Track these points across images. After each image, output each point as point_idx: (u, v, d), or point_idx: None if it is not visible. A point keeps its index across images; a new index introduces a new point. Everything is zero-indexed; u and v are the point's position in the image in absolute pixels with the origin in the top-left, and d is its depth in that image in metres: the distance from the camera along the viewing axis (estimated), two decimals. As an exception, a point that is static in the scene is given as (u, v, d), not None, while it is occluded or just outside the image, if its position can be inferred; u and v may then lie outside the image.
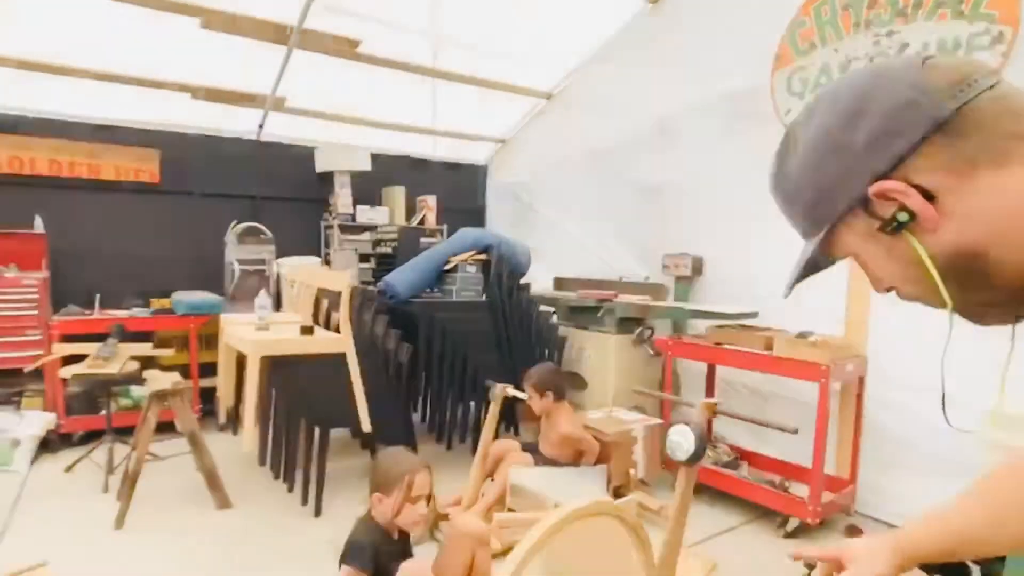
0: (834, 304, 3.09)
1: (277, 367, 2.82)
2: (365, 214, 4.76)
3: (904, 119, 0.60)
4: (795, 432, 1.59)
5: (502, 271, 3.39)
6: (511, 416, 3.78)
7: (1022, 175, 0.58)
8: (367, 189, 4.92)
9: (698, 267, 3.77)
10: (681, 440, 1.65)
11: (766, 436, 3.41)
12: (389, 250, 4.04)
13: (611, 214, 4.48)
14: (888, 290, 0.72)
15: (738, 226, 3.61)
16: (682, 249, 3.85)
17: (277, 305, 4.07)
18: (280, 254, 4.39)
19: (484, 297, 3.46)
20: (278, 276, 4.25)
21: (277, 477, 3.19)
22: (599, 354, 3.62)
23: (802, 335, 2.85)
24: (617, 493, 2.91)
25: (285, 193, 4.81)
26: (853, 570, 0.78)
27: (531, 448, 2.94)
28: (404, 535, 1.87)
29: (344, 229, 4.68)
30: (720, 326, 3.16)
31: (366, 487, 1.82)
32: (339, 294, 2.86)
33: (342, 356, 2.85)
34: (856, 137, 0.61)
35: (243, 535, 2.66)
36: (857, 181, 0.62)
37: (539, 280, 4.37)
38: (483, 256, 3.45)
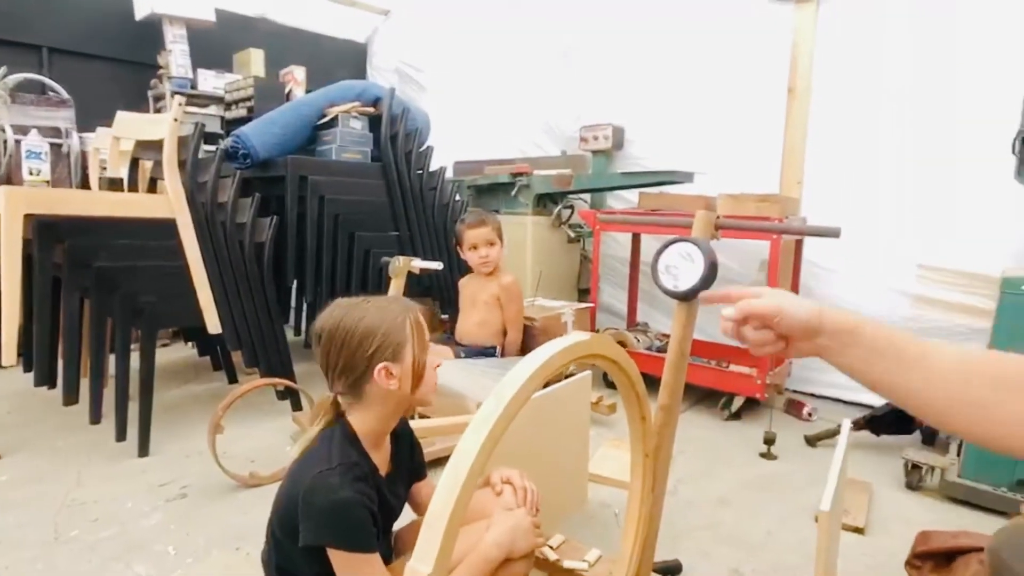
0: (767, 167, 2.82)
1: (63, 233, 1.94)
2: (209, 81, 3.73)
3: None
4: (838, 235, 1.19)
5: (398, 129, 2.69)
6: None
7: None
8: (212, 52, 3.87)
9: (619, 139, 3.34)
10: (683, 263, 1.17)
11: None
12: (244, 112, 3.14)
13: (517, 88, 3.89)
14: None
15: (662, 90, 3.20)
16: (599, 120, 3.39)
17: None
18: (85, 129, 3.30)
19: (373, 160, 2.75)
20: (82, 155, 3.19)
21: (70, 403, 2.13)
22: (515, 238, 3.09)
23: (743, 194, 2.52)
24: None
25: (91, 47, 3.64)
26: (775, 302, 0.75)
27: (446, 342, 2.40)
28: (402, 431, 1.17)
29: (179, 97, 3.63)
30: (652, 195, 2.75)
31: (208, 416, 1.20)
32: (160, 144, 2.04)
33: (170, 225, 2.07)
34: None
35: (20, 489, 1.83)
36: None
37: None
38: (372, 109, 2.72)
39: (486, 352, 2.32)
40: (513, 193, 3.09)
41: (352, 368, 1.00)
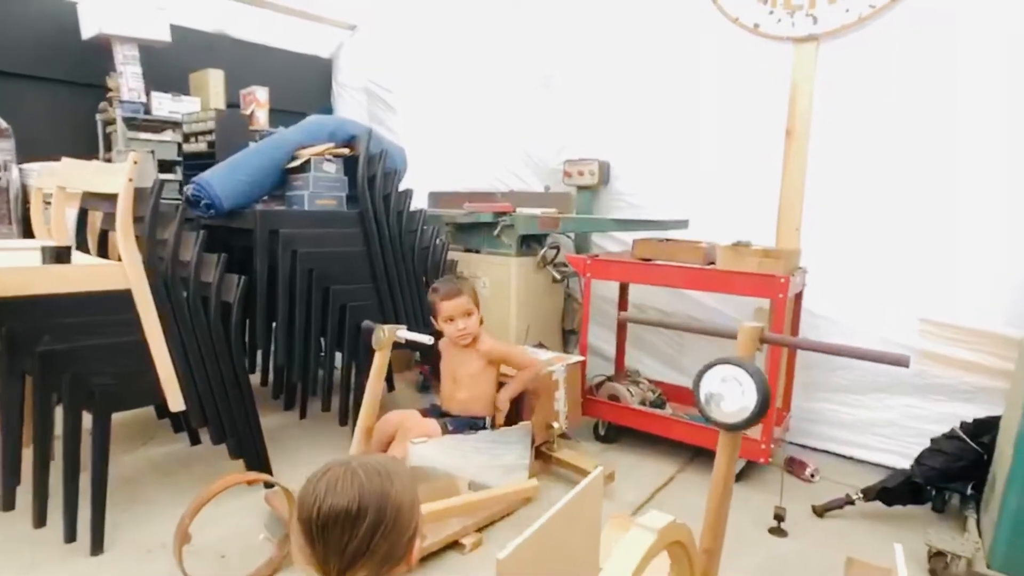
0: (762, 212, 2.73)
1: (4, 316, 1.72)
2: (165, 105, 3.45)
3: None
4: (907, 365, 1.07)
5: (376, 171, 2.49)
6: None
7: None
8: (167, 73, 3.58)
9: (605, 174, 3.21)
10: (732, 390, 1.04)
11: (683, 367, 3.05)
12: (205, 147, 2.88)
13: (495, 115, 3.72)
14: None
15: (652, 127, 3.09)
16: (584, 154, 3.25)
17: (26, 231, 2.77)
18: (28, 158, 3.00)
19: (349, 207, 2.54)
20: (23, 189, 2.89)
21: (9, 508, 1.98)
22: (499, 279, 2.93)
23: (740, 244, 2.42)
24: (539, 452, 2.33)
25: (33, 68, 3.31)
26: None
27: (434, 413, 2.22)
28: None
29: (133, 125, 3.34)
30: (646, 242, 2.62)
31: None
32: (115, 199, 1.81)
33: (126, 296, 1.83)
34: None
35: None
36: None
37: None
38: (346, 150, 2.50)
39: (475, 424, 2.15)
40: (496, 233, 2.92)
41: (396, 552, 0.84)
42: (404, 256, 2.66)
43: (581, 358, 2.58)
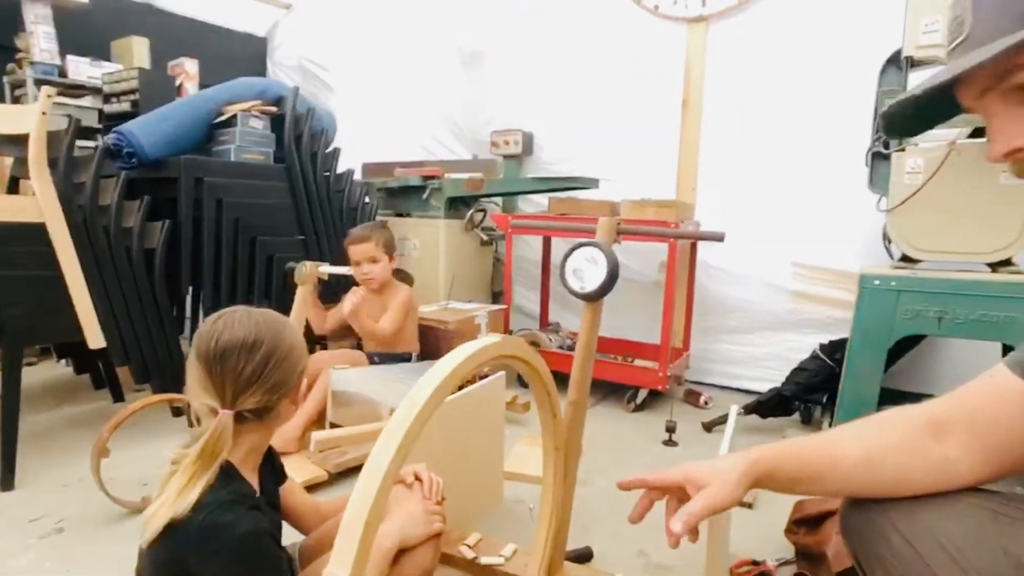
0: (665, 173, 3.01)
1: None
2: (83, 70, 3.41)
3: None
4: (722, 239, 1.30)
5: (302, 130, 2.60)
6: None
7: None
8: (86, 38, 3.55)
9: (528, 144, 3.42)
10: (588, 266, 1.25)
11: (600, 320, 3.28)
12: (128, 107, 2.89)
13: (426, 90, 3.89)
14: (1013, 154, 0.65)
15: (570, 100, 3.33)
16: (510, 126, 3.46)
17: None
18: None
19: (276, 162, 2.63)
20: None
21: None
22: (427, 241, 3.09)
23: (644, 200, 2.68)
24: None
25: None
26: (708, 496, 0.76)
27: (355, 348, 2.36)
28: (272, 458, 1.11)
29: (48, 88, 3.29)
30: (561, 200, 2.85)
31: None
32: (26, 141, 1.86)
33: (39, 230, 1.88)
34: None
35: None
36: None
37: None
38: (273, 108, 2.61)
39: (401, 359, 2.30)
40: (425, 196, 3.08)
41: (286, 382, 0.96)
42: (332, 214, 2.78)
43: (504, 307, 2.77)
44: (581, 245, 1.28)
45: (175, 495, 0.86)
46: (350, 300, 2.09)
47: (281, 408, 0.99)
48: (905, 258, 2.14)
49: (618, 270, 1.25)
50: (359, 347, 2.36)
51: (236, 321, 0.95)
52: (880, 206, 2.13)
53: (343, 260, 2.77)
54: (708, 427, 2.38)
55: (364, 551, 0.70)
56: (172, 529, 0.85)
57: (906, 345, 2.30)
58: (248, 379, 0.92)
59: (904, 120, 0.74)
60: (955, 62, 0.63)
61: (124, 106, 2.90)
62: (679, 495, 0.81)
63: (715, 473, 0.79)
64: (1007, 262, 1.95)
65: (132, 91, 2.87)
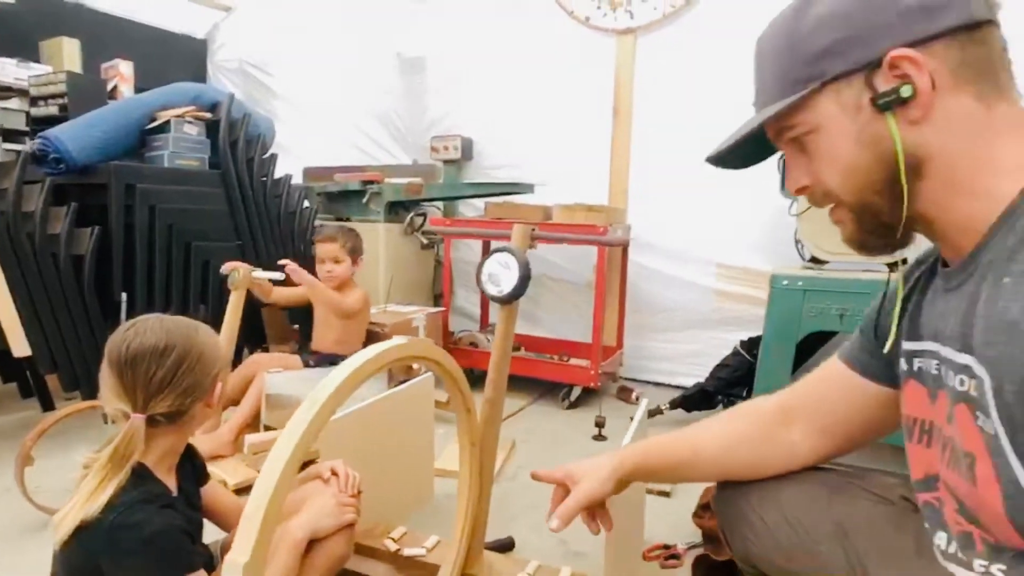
0: (598, 179, 3.13)
1: None
2: (9, 71, 3.30)
3: (952, 1, 0.60)
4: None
5: (238, 135, 2.60)
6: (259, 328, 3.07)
7: (994, 114, 0.61)
8: (12, 38, 3.44)
9: (467, 150, 3.50)
10: (502, 271, 1.33)
11: (537, 319, 3.39)
12: (56, 111, 2.82)
13: (368, 95, 3.92)
14: (803, 191, 0.74)
15: (508, 106, 3.42)
16: (451, 131, 3.53)
17: None
18: None
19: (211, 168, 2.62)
20: None
21: None
22: (367, 246, 3.07)
23: (575, 205, 2.80)
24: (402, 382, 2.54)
25: None
26: (579, 491, 0.89)
27: (304, 353, 2.38)
28: (192, 459, 1.13)
29: (-30, 90, 3.19)
30: (497, 204, 2.94)
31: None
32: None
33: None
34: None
35: None
36: (884, 40, 0.62)
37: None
38: (208, 114, 2.60)
39: (335, 361, 2.33)
40: (364, 200, 3.11)
41: (198, 387, 0.99)
42: (270, 219, 2.79)
43: (442, 309, 2.84)
44: (496, 251, 1.36)
45: (85, 497, 0.89)
46: (306, 276, 2.15)
47: (195, 411, 1.02)
48: (814, 259, 2.31)
49: (530, 273, 1.34)
50: (302, 348, 2.39)
51: (147, 328, 0.98)
52: (791, 210, 2.29)
53: (280, 266, 2.80)
54: (636, 421, 2.50)
55: (264, 538, 0.76)
56: (83, 531, 0.88)
57: (817, 342, 2.48)
58: (159, 384, 0.96)
59: (738, 158, 0.82)
60: (751, 118, 0.75)
61: (52, 110, 2.84)
62: (564, 489, 0.93)
63: (588, 470, 0.91)
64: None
65: (60, 95, 2.81)
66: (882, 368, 0.84)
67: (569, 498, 0.88)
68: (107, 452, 0.92)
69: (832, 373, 0.91)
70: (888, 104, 0.62)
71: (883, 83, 0.62)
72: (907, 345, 0.76)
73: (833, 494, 0.89)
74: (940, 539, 0.72)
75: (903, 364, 0.78)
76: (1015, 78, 0.63)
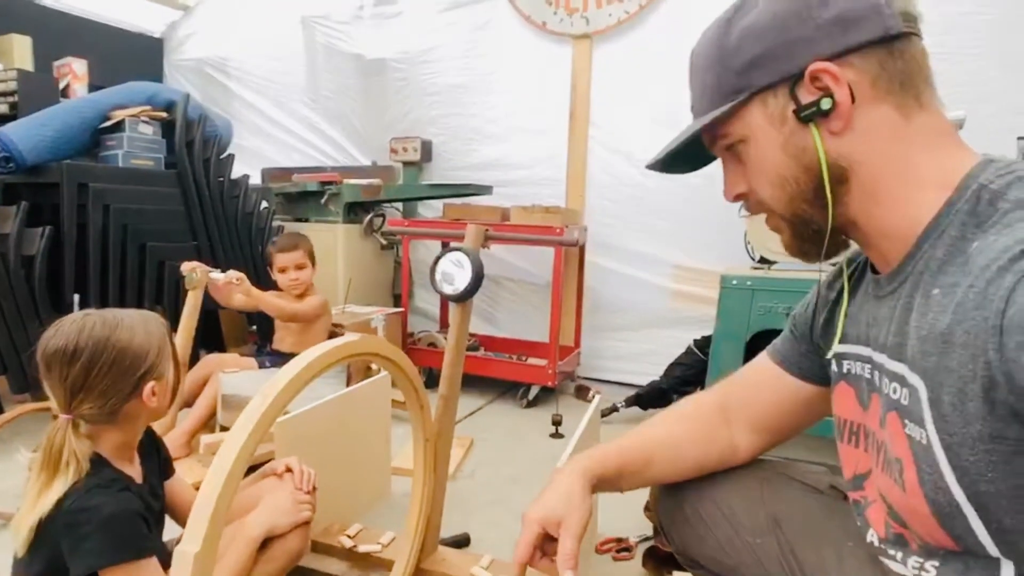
0: (556, 181, 3.20)
1: None
2: (-47, 67, 3.19)
3: (867, 15, 0.62)
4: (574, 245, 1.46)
5: (194, 135, 2.58)
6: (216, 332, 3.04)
7: (914, 124, 0.64)
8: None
9: (427, 151, 3.52)
10: (455, 270, 1.37)
11: (496, 319, 3.44)
12: (6, 109, 2.74)
13: (328, 97, 3.91)
14: (739, 197, 0.77)
15: (467, 109, 3.46)
16: (410, 133, 3.55)
17: None
18: None
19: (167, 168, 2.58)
20: None
21: None
22: (325, 246, 3.10)
23: (532, 207, 2.86)
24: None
25: None
26: (569, 529, 0.80)
27: (262, 354, 2.37)
28: (145, 437, 1.11)
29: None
30: (455, 206, 2.98)
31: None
32: None
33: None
34: (825, 13, 0.63)
35: None
36: (805, 53, 0.63)
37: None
38: (163, 114, 2.57)
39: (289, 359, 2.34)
40: (323, 201, 3.11)
41: (118, 389, 0.96)
42: (227, 220, 2.77)
43: (401, 310, 2.86)
44: (449, 250, 1.41)
45: (34, 498, 0.90)
46: (254, 292, 2.14)
47: (129, 409, 0.99)
48: (763, 260, 2.41)
49: (483, 272, 1.38)
50: (260, 350, 2.38)
51: (60, 331, 0.95)
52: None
53: (237, 264, 2.78)
54: (592, 418, 2.57)
55: (215, 529, 0.79)
56: (42, 527, 0.88)
57: (765, 340, 2.59)
58: (73, 387, 0.93)
59: (685, 163, 0.83)
60: (687, 126, 0.77)
61: (2, 108, 2.74)
62: (546, 536, 0.83)
63: (562, 505, 0.82)
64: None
65: (10, 92, 2.73)
66: (813, 368, 0.88)
67: (565, 540, 0.79)
68: (40, 453, 0.93)
69: (764, 373, 0.96)
70: (810, 116, 0.64)
71: (805, 95, 0.64)
72: (837, 347, 0.79)
73: (765, 486, 0.94)
74: (872, 536, 0.76)
75: (833, 365, 0.80)
76: (936, 89, 0.66)
